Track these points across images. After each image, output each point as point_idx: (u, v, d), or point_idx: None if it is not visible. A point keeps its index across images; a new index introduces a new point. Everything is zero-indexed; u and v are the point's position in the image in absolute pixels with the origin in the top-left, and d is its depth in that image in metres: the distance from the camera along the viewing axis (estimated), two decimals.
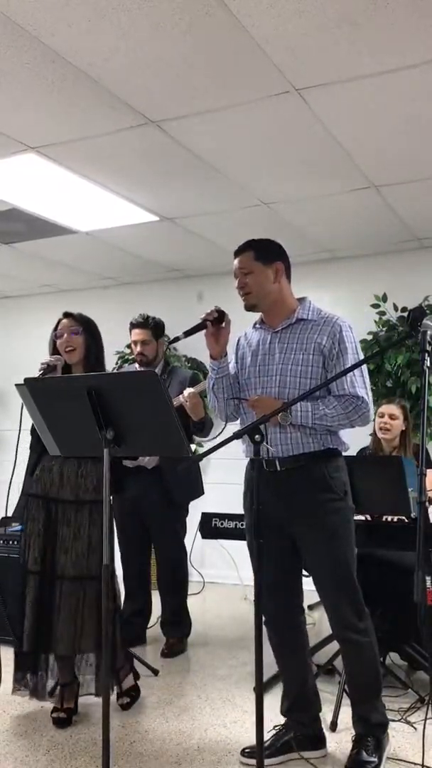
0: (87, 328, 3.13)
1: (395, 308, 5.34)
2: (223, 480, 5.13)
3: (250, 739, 2.61)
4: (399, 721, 2.87)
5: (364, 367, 2.59)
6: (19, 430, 2.96)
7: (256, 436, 2.09)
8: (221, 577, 5.73)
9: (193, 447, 4.40)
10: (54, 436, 2.48)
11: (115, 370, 4.74)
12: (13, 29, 2.60)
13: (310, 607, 4.54)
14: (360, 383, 2.54)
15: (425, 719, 2.34)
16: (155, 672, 3.59)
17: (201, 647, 4.10)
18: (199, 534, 3.85)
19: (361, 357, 2.60)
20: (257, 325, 2.75)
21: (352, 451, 2.82)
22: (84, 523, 2.95)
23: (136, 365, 4.05)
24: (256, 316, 2.76)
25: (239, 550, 4.70)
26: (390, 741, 2.65)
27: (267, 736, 2.46)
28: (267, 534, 2.43)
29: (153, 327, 3.95)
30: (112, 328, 4.23)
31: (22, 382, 2.42)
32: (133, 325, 3.98)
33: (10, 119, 3.33)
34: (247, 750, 2.66)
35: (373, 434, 4.02)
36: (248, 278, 2.63)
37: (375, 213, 4.65)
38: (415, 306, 3.00)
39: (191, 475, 4.02)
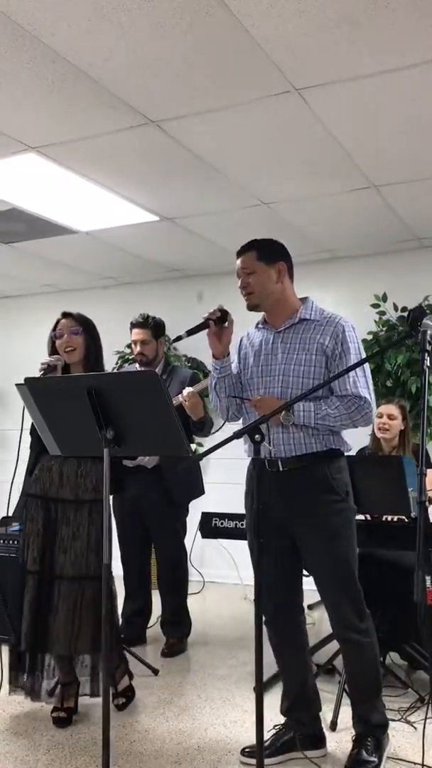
0: (86, 328, 3.13)
1: (395, 308, 5.34)
2: (224, 480, 5.14)
3: (250, 739, 2.61)
4: (399, 720, 2.87)
5: (367, 367, 2.59)
6: (21, 429, 2.97)
7: (256, 436, 2.09)
8: (221, 577, 5.74)
9: (193, 447, 4.40)
10: (54, 435, 2.48)
11: (115, 370, 4.74)
12: (13, 29, 2.60)
13: (310, 607, 4.54)
14: (363, 383, 2.54)
15: (425, 719, 2.34)
16: (155, 672, 3.59)
17: (201, 647, 4.10)
18: (199, 533, 3.85)
19: (363, 356, 2.60)
20: (260, 325, 2.75)
21: (351, 451, 2.82)
22: (83, 523, 2.95)
23: (137, 365, 4.05)
24: (257, 315, 2.76)
25: (239, 549, 4.71)
26: (390, 741, 2.65)
27: (267, 735, 2.47)
28: (268, 534, 2.43)
29: (153, 327, 3.96)
30: (112, 328, 4.23)
31: (23, 381, 2.43)
32: (133, 325, 3.98)
33: (10, 119, 3.33)
34: (247, 749, 2.66)
35: (372, 434, 4.03)
36: (251, 278, 2.63)
37: (375, 213, 4.65)
38: (415, 306, 3.00)
39: (191, 475, 4.02)
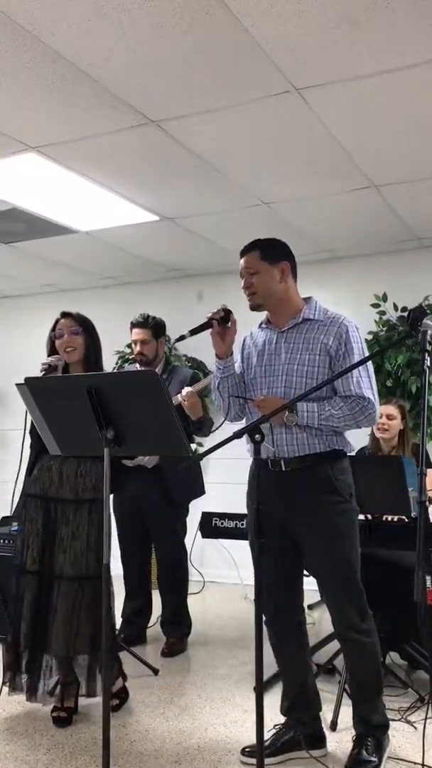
0: (86, 328, 3.13)
1: (395, 308, 5.34)
2: (224, 479, 5.14)
3: (250, 739, 2.61)
4: (399, 720, 2.87)
5: (371, 367, 2.58)
6: (24, 429, 2.98)
7: (257, 436, 2.09)
8: (221, 577, 5.74)
9: (193, 447, 4.40)
10: (54, 435, 2.48)
11: (115, 370, 4.74)
12: (13, 29, 2.60)
13: (310, 607, 4.54)
14: (366, 384, 2.53)
15: (425, 719, 2.34)
16: (155, 671, 3.59)
17: (201, 647, 4.10)
18: (199, 533, 3.85)
19: (371, 359, 2.59)
20: (263, 325, 2.75)
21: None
22: (83, 522, 2.95)
23: (137, 365, 4.06)
24: (259, 315, 2.75)
25: (239, 549, 4.71)
26: (390, 741, 2.65)
27: (267, 735, 2.47)
28: (269, 533, 2.43)
29: (153, 327, 3.96)
30: (112, 328, 4.23)
31: (23, 381, 2.43)
32: (133, 325, 3.98)
33: (11, 119, 3.33)
34: (247, 749, 2.66)
35: (372, 434, 4.03)
36: (254, 278, 2.62)
37: (375, 213, 4.65)
38: (416, 306, 3.01)
39: (191, 475, 4.02)
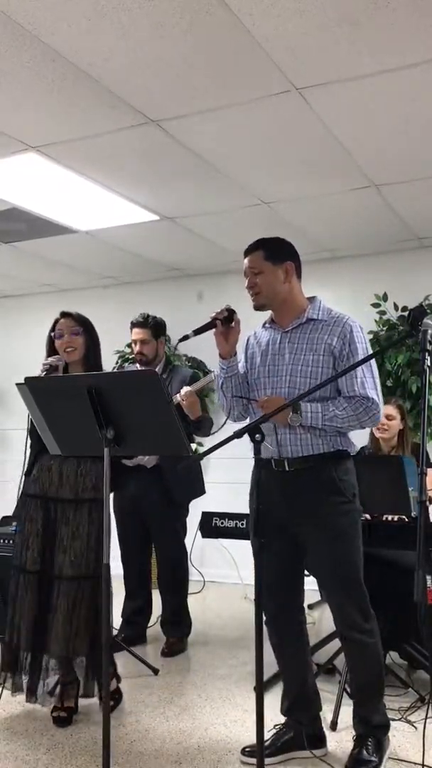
0: (86, 329, 3.13)
1: (395, 307, 5.34)
2: (224, 479, 5.14)
3: (251, 738, 2.61)
4: (399, 720, 2.87)
5: (374, 367, 2.57)
6: (27, 429, 2.98)
7: (257, 436, 2.09)
8: (221, 577, 5.74)
9: (193, 446, 4.40)
10: (54, 435, 2.48)
11: (115, 370, 4.74)
12: (13, 28, 2.60)
13: (310, 607, 4.54)
14: (370, 384, 2.52)
15: (425, 718, 2.34)
16: (155, 671, 3.59)
17: (201, 646, 4.10)
18: (199, 533, 3.85)
19: (373, 358, 2.58)
20: (267, 325, 2.74)
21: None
22: (83, 522, 2.95)
23: (137, 364, 4.06)
24: (260, 314, 2.75)
25: (240, 549, 4.70)
26: (390, 741, 2.65)
27: (267, 735, 2.46)
28: (272, 533, 2.43)
29: (153, 326, 3.96)
30: (112, 328, 4.23)
31: (23, 381, 2.43)
32: (133, 325, 3.98)
33: (11, 119, 3.33)
34: (247, 749, 2.66)
35: (371, 434, 4.03)
36: (258, 278, 2.61)
37: (375, 212, 4.65)
38: (416, 305, 3.00)
39: (191, 475, 4.02)
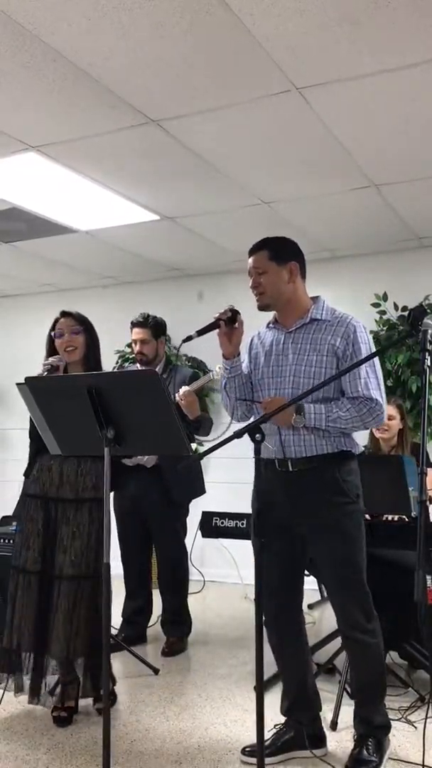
0: (87, 328, 3.13)
1: (396, 307, 5.34)
2: (224, 479, 5.15)
3: (251, 738, 2.61)
4: (399, 720, 2.87)
5: (378, 367, 2.57)
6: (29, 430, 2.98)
7: (257, 435, 2.09)
8: (222, 576, 5.74)
9: (193, 446, 4.41)
10: (55, 434, 2.48)
11: (115, 369, 4.74)
12: (13, 28, 2.60)
13: (310, 607, 4.54)
14: (374, 385, 2.52)
15: (425, 718, 2.34)
16: (156, 671, 3.59)
17: (201, 646, 4.10)
18: (199, 533, 3.85)
19: (376, 358, 2.57)
20: (271, 325, 2.73)
21: None
22: (83, 522, 2.95)
23: (138, 364, 4.06)
24: (263, 315, 2.74)
25: (240, 549, 4.71)
26: (390, 742, 2.65)
27: (267, 735, 2.46)
28: (274, 533, 2.43)
29: (152, 326, 3.96)
30: (112, 328, 4.24)
31: (23, 381, 2.43)
32: (133, 325, 3.99)
33: (11, 118, 3.33)
34: (247, 749, 2.66)
35: (371, 434, 4.03)
36: (262, 278, 2.60)
37: (375, 212, 4.65)
38: (416, 305, 3.00)
39: (191, 475, 4.03)
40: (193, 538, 4.19)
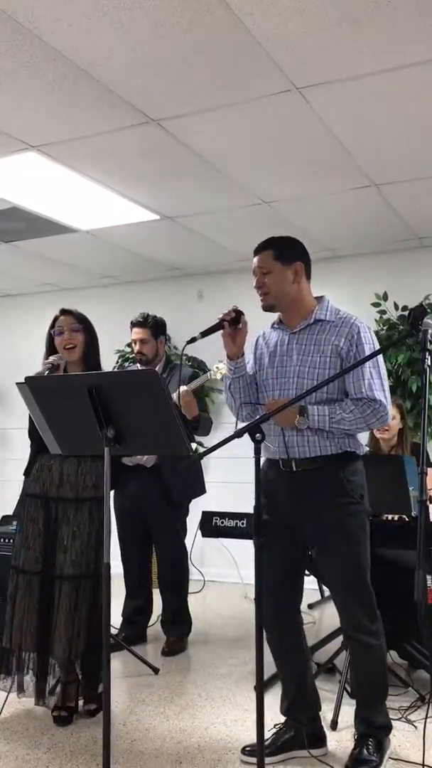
0: (86, 327, 3.13)
1: (396, 307, 5.34)
2: (225, 479, 5.15)
3: (251, 738, 2.61)
4: (399, 719, 2.87)
5: (382, 367, 2.56)
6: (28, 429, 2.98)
7: (257, 435, 2.09)
8: (222, 576, 5.74)
9: (193, 446, 4.41)
10: (55, 434, 2.48)
11: (115, 369, 4.74)
12: (13, 28, 2.60)
13: (310, 607, 4.55)
14: (378, 386, 2.51)
15: (426, 718, 2.34)
16: (156, 670, 3.59)
17: (201, 646, 4.10)
18: (199, 532, 3.85)
19: (380, 359, 2.56)
20: (275, 325, 2.72)
21: None
22: (83, 521, 2.95)
23: (137, 364, 4.06)
24: (263, 315, 2.74)
25: (240, 549, 4.71)
26: (391, 742, 2.65)
27: (267, 734, 2.46)
28: (276, 533, 2.43)
29: (152, 326, 3.96)
30: (113, 327, 4.24)
31: (23, 380, 2.43)
32: (133, 324, 3.99)
33: (11, 118, 3.33)
34: (247, 748, 2.66)
35: (371, 433, 4.03)
36: (267, 278, 2.59)
37: (375, 212, 4.65)
38: (416, 305, 3.00)
39: (191, 475, 4.02)
40: (193, 537, 4.19)
